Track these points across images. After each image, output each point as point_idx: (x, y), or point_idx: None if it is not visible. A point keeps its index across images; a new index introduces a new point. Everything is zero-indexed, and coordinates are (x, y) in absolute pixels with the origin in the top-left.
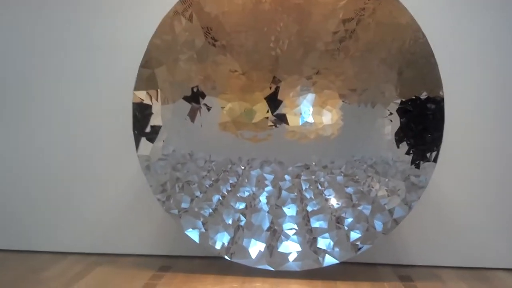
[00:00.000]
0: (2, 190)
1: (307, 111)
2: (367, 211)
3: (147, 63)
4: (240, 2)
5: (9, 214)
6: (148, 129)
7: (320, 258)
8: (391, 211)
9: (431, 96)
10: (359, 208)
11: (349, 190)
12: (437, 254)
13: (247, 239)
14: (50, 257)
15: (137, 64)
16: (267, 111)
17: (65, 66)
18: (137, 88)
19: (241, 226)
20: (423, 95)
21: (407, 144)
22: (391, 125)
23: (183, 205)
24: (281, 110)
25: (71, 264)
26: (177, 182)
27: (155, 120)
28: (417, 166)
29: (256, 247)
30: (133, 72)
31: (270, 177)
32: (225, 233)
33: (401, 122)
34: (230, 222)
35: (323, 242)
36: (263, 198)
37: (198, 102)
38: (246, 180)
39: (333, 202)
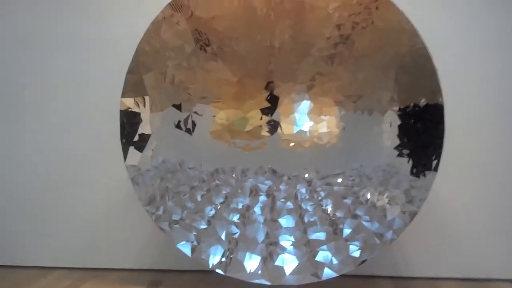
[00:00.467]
0: None
1: (302, 119)
2: (366, 222)
3: (134, 69)
4: (232, 6)
5: None
6: (136, 138)
7: (319, 272)
8: (390, 222)
9: (430, 103)
10: (358, 219)
11: (347, 200)
12: (438, 266)
13: (241, 252)
14: (34, 272)
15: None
16: (261, 119)
17: (54, 67)
18: (124, 95)
19: (235, 238)
20: (422, 102)
21: (406, 152)
22: (389, 133)
23: (174, 217)
24: (275, 118)
25: (56, 280)
26: (167, 193)
27: (143, 129)
28: (417, 175)
29: (251, 261)
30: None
31: (264, 187)
32: (219, 246)
33: (399, 130)
34: (223, 234)
35: (321, 255)
36: (257, 209)
37: (188, 110)
38: (240, 191)
39: (331, 213)
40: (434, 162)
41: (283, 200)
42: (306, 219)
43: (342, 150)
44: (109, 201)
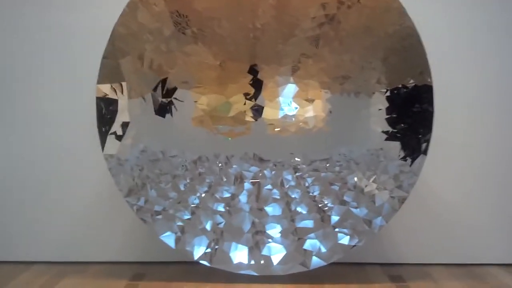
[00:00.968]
0: None
1: (287, 102)
2: (354, 209)
3: (110, 54)
4: None
5: None
6: (114, 126)
7: (307, 260)
8: (379, 208)
9: (419, 84)
10: (346, 205)
11: (335, 186)
12: (427, 252)
13: (227, 242)
14: (11, 268)
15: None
16: (244, 104)
17: (23, 57)
18: (100, 81)
19: (221, 228)
20: (410, 84)
21: (395, 136)
22: (377, 116)
23: (156, 208)
24: (260, 102)
25: (35, 276)
26: (148, 182)
27: (122, 116)
28: (406, 160)
29: (237, 251)
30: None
31: (249, 174)
32: (203, 237)
33: (387, 113)
34: (208, 224)
35: (309, 243)
36: (243, 198)
37: (169, 95)
38: (224, 179)
39: (318, 199)
40: (424, 146)
41: (269, 187)
42: (293, 207)
43: (329, 135)
44: (89, 192)
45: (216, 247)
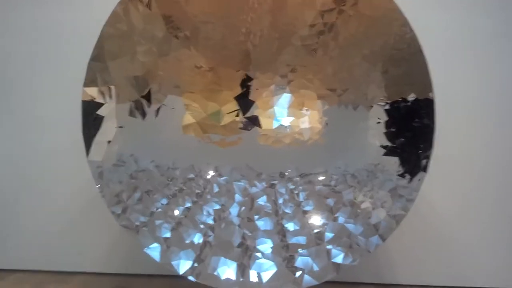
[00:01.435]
0: None
1: (282, 113)
2: (349, 226)
3: (98, 56)
4: None
5: None
6: (100, 132)
7: (298, 279)
8: (376, 226)
9: (420, 97)
10: (341, 222)
11: (329, 201)
12: (424, 273)
13: (215, 257)
14: None
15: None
16: (237, 113)
17: (11, 56)
18: (87, 84)
19: (209, 242)
20: (411, 97)
21: (393, 150)
22: (375, 129)
23: (142, 219)
24: (253, 111)
25: (14, 284)
26: (134, 192)
27: (108, 121)
28: (405, 176)
29: (225, 267)
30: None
31: (241, 186)
32: (190, 250)
33: (386, 127)
34: (196, 237)
35: (301, 261)
36: (233, 210)
37: (159, 101)
38: (214, 190)
39: (312, 215)
40: (424, 162)
41: (260, 200)
42: (285, 222)
43: (324, 147)
44: (73, 199)
45: (204, 261)
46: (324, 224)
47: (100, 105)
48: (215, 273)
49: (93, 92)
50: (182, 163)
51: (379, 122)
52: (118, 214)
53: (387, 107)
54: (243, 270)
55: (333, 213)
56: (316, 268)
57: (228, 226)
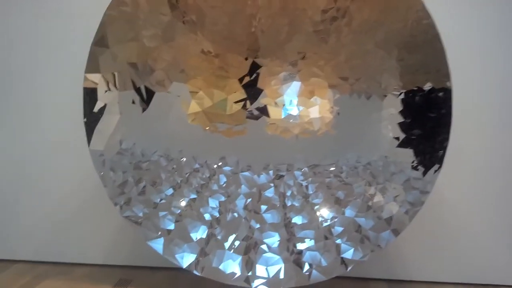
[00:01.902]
0: None
1: (291, 102)
2: (360, 220)
3: (101, 40)
4: None
5: None
6: (102, 120)
7: (306, 274)
8: (388, 221)
9: (436, 87)
10: (351, 216)
11: (340, 194)
12: (436, 269)
13: (220, 250)
14: None
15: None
16: (245, 101)
17: (12, 45)
18: (89, 70)
19: (214, 235)
20: (427, 86)
21: (408, 142)
22: (389, 120)
23: (145, 210)
24: (261, 100)
25: (15, 275)
26: (137, 183)
27: (111, 109)
28: (419, 169)
29: (231, 261)
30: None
31: (247, 177)
32: (195, 243)
33: (400, 117)
34: (200, 230)
35: (309, 255)
36: (239, 202)
37: (164, 89)
38: (220, 181)
39: (321, 208)
40: (439, 154)
41: (267, 193)
42: (293, 215)
43: (335, 138)
44: (76, 189)
45: (208, 255)
46: (333, 218)
47: (102, 92)
48: (220, 267)
49: (95, 78)
50: (187, 153)
51: (393, 113)
52: (121, 205)
53: (402, 96)
54: (249, 264)
55: (343, 206)
56: (324, 263)
57: (234, 219)
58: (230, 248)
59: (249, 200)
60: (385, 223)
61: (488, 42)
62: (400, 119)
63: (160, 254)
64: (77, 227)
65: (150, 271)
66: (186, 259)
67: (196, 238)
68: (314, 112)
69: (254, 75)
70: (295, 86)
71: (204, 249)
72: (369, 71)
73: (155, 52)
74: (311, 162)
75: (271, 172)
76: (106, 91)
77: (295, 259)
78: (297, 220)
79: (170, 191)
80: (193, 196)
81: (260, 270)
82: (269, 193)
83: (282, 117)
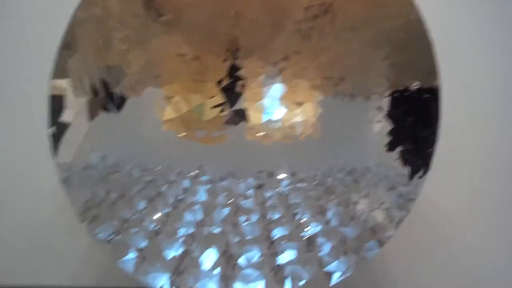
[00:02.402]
0: None
1: (273, 105)
2: (344, 230)
3: (69, 44)
4: None
5: None
6: (69, 129)
7: None
8: (373, 229)
9: (424, 87)
10: (335, 226)
11: (322, 203)
12: (426, 282)
13: (196, 268)
14: None
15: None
16: (223, 106)
17: None
18: (55, 75)
19: (189, 251)
20: (414, 86)
21: (393, 145)
22: (374, 122)
23: (115, 227)
24: (241, 104)
25: None
26: (107, 197)
27: (79, 118)
28: (406, 173)
29: (207, 279)
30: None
31: (225, 187)
32: (169, 261)
33: (385, 119)
34: (175, 247)
35: (290, 270)
36: (216, 215)
37: (137, 94)
38: (196, 193)
39: (303, 218)
40: (427, 157)
41: (246, 203)
42: (273, 226)
43: (318, 143)
44: (40, 206)
45: (183, 274)
46: (315, 228)
47: (70, 99)
48: (196, 287)
49: (61, 84)
50: (161, 162)
51: (378, 114)
52: (89, 222)
53: (388, 97)
54: (226, 282)
55: (326, 215)
56: (307, 277)
57: (211, 233)
58: (206, 265)
59: (227, 212)
60: (370, 232)
61: (481, 41)
62: (386, 121)
63: (131, 274)
64: (42, 248)
65: None
66: (160, 279)
67: (170, 256)
68: (297, 115)
69: (234, 78)
70: (276, 88)
71: (179, 267)
72: (355, 70)
73: (128, 55)
74: (293, 169)
75: (250, 181)
76: (74, 98)
77: (275, 275)
78: (278, 232)
79: (142, 205)
80: (168, 210)
81: None
82: (249, 203)
83: (263, 121)
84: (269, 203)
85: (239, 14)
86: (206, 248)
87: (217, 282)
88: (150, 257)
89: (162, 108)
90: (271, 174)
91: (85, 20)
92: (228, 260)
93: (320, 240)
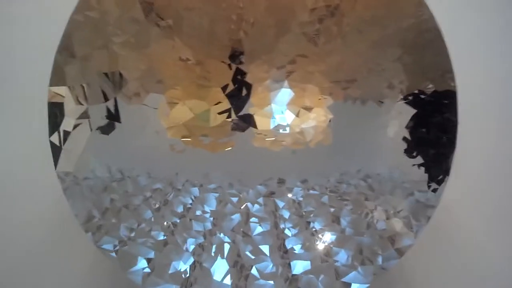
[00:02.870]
0: None
1: (280, 110)
2: (360, 239)
3: (66, 49)
4: None
5: None
6: (71, 138)
7: None
8: (391, 239)
9: (439, 89)
10: (350, 235)
11: (336, 211)
12: None
13: (207, 279)
14: None
15: None
16: (229, 112)
17: None
18: (54, 82)
19: (199, 262)
20: (428, 88)
21: (409, 151)
22: (387, 127)
23: (121, 237)
24: (247, 110)
25: None
26: (111, 207)
27: (80, 126)
28: (423, 180)
29: None
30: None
31: (234, 196)
32: (178, 272)
33: (399, 124)
34: (184, 257)
35: (305, 281)
36: (226, 225)
37: (139, 101)
38: (204, 201)
39: (317, 227)
40: (445, 164)
41: (257, 212)
42: (286, 235)
43: (330, 149)
44: (43, 217)
45: (192, 286)
46: (330, 237)
47: (70, 106)
48: None
49: (61, 91)
50: (166, 171)
51: (392, 119)
52: (93, 232)
53: (401, 101)
54: None
55: (341, 224)
56: None
57: (221, 243)
58: (217, 276)
59: (237, 221)
60: (388, 241)
61: (492, 44)
62: (400, 125)
63: (139, 286)
64: (42, 259)
65: None
66: None
67: (180, 267)
68: (306, 121)
69: (239, 83)
70: (284, 93)
71: (189, 278)
72: (365, 73)
73: (127, 61)
74: (304, 176)
75: (260, 188)
76: (74, 106)
77: (290, 285)
78: (291, 241)
79: (148, 215)
80: (175, 219)
81: None
82: (259, 212)
83: (271, 127)
84: (280, 211)
85: (242, 17)
86: (217, 258)
87: None
88: (158, 268)
89: (165, 115)
90: (282, 181)
91: (82, 24)
92: (240, 271)
93: (335, 249)
